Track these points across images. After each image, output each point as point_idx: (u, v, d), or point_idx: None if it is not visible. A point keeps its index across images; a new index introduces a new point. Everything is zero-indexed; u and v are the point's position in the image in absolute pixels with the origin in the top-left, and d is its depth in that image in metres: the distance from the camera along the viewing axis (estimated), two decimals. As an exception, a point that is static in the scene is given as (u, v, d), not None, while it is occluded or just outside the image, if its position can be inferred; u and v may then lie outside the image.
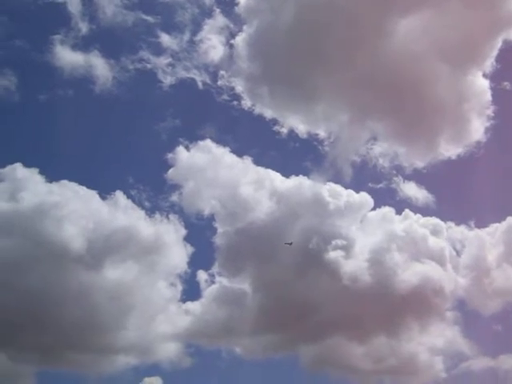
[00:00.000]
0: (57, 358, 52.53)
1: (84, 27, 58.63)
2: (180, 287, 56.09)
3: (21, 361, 52.02)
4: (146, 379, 53.85)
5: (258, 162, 60.29)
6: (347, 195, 58.85)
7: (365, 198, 59.46)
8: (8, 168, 54.13)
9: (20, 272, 51.11)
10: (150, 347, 54.53)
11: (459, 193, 62.98)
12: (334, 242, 56.40)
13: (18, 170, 54.41)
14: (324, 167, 60.20)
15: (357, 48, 56.49)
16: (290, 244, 54.99)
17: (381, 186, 61.74)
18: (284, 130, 60.67)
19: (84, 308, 52.05)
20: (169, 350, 54.92)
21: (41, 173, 54.74)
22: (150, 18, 61.12)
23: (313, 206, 58.07)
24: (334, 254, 56.06)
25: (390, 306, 56.35)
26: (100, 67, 59.00)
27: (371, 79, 57.27)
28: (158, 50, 61.34)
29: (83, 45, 59.28)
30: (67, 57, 58.24)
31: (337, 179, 59.36)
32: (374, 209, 59.83)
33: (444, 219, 60.58)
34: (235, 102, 61.08)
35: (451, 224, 61.30)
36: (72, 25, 58.54)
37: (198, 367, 55.98)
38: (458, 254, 60.67)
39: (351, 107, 59.10)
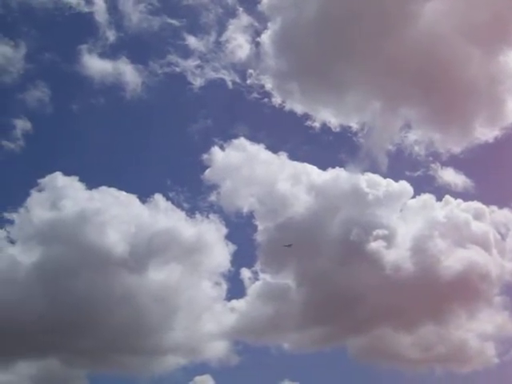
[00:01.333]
0: (107, 360, 53.26)
1: (111, 35, 59.59)
2: (224, 286, 56.45)
3: (73, 365, 53.08)
4: (197, 378, 54.32)
5: (293, 156, 60.47)
6: (386, 184, 58.56)
7: (404, 186, 59.10)
8: (48, 177, 55.27)
9: (66, 279, 52.10)
10: (198, 346, 55.02)
11: (499, 176, 61.67)
12: (375, 233, 56.09)
13: (58, 178, 55.53)
14: (360, 158, 59.98)
15: (383, 35, 56.15)
16: (290, 246, 54.79)
17: (418, 173, 61.30)
18: (316, 125, 60.53)
19: (130, 311, 52.69)
20: (217, 349, 55.30)
21: (80, 180, 55.75)
22: (175, 22, 61.74)
23: (351, 197, 57.95)
24: (375, 245, 55.78)
25: (435, 294, 55.68)
26: (129, 73, 59.80)
27: (400, 66, 56.93)
28: (186, 53, 61.90)
29: (111, 52, 60.28)
30: (96, 65, 59.19)
31: (373, 169, 59.11)
32: (413, 197, 59.42)
33: (486, 203, 59.77)
34: (266, 100, 61.28)
35: (494, 208, 60.37)
36: (100, 34, 59.60)
37: (247, 364, 56.17)
38: (503, 237, 59.58)
39: (382, 96, 58.77)
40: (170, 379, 54.13)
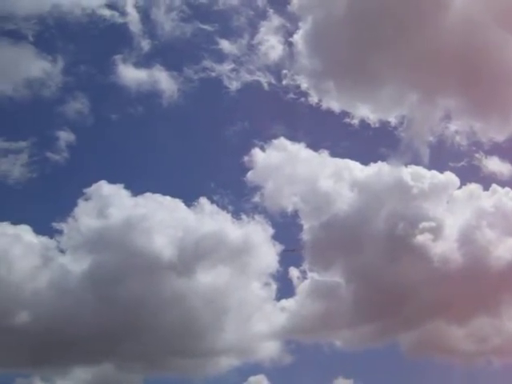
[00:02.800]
0: (161, 364, 53.34)
1: (145, 44, 59.71)
2: (273, 286, 56.24)
3: (127, 370, 53.64)
4: (251, 378, 54.20)
5: (334, 153, 60.26)
6: (431, 176, 57.96)
7: (449, 177, 58.34)
8: (94, 186, 55.73)
9: (117, 285, 52.73)
10: (250, 347, 55.07)
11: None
12: (421, 225, 55.58)
13: (104, 187, 55.95)
14: (401, 151, 59.46)
15: (416, 26, 55.51)
16: (293, 251, 54.52)
17: (462, 163, 60.35)
18: (355, 121, 60.18)
19: (181, 314, 53.13)
20: (269, 349, 55.20)
21: (126, 188, 56.20)
22: (207, 27, 61.76)
23: (395, 190, 57.49)
24: (422, 238, 55.25)
25: (486, 285, 54.90)
26: (164, 81, 59.92)
27: (436, 56, 56.06)
28: (220, 57, 61.86)
29: (146, 61, 60.54)
30: (131, 75, 59.43)
31: (416, 161, 58.55)
32: (459, 187, 58.75)
33: (534, 190, 58.81)
34: (302, 99, 60.97)
35: (543, 195, 59.37)
36: (134, 44, 59.92)
37: (300, 362, 55.88)
38: (555, 224, 58.60)
39: (420, 88, 58.04)
40: (224, 380, 54.49)
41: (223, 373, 54.08)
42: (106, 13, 58.80)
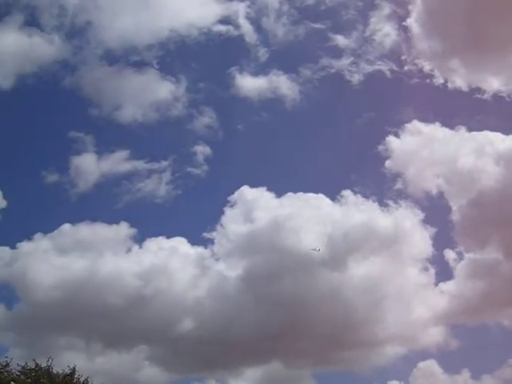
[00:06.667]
0: (327, 358, 53.88)
1: (262, 53, 61.90)
2: (431, 270, 55.54)
3: (295, 366, 54.27)
4: (420, 364, 53.60)
5: (471, 128, 59.05)
6: None
7: None
8: (237, 193, 57.42)
9: (272, 285, 53.54)
10: (414, 334, 54.35)
11: None
12: None
13: (247, 192, 57.59)
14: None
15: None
16: (318, 250, 52.25)
17: None
18: (487, 96, 58.85)
19: (339, 307, 53.05)
20: (433, 334, 54.37)
21: (269, 190, 57.45)
22: (319, 26, 62.79)
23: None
24: None
25: None
26: (284, 86, 61.29)
27: None
28: (337, 53, 62.64)
29: (264, 69, 62.80)
30: (250, 84, 61.52)
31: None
32: None
33: None
34: (427, 81, 60.79)
35: None
36: (251, 53, 62.38)
37: (468, 346, 54.96)
38: None
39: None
40: (393, 369, 54.09)
41: (391, 362, 53.78)
42: (221, 28, 61.55)
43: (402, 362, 53.72)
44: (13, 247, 54.20)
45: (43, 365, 36.74)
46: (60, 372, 37.09)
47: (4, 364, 36.26)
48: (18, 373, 36.20)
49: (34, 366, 36.54)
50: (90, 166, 59.10)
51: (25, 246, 54.40)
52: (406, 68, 61.41)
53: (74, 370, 37.20)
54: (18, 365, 36.52)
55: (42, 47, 59.35)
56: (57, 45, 59.68)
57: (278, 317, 52.19)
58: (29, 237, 54.55)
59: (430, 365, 53.10)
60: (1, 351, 42.99)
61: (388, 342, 53.51)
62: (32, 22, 59.56)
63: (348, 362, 53.44)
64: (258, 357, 52.64)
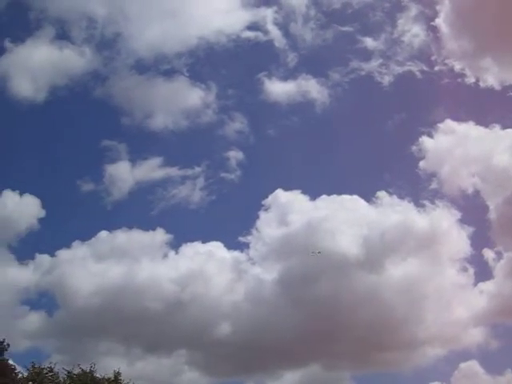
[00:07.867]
0: (366, 360, 53.53)
1: (291, 57, 62.04)
2: (469, 270, 55.08)
3: (334, 368, 54.29)
4: (462, 365, 53.14)
5: (506, 126, 58.31)
6: None
7: None
8: (271, 197, 57.41)
9: (309, 288, 53.37)
10: (454, 335, 53.86)
11: None
12: None
13: (281, 195, 57.55)
14: None
15: None
16: (319, 253, 51.61)
17: None
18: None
19: (378, 309, 52.75)
20: (474, 334, 53.83)
21: (303, 193, 57.41)
22: (347, 28, 62.69)
23: None
24: None
25: None
26: (314, 90, 61.21)
27: None
28: (367, 55, 62.39)
29: (293, 73, 62.64)
30: (279, 89, 61.59)
31: None
32: None
33: None
34: (459, 80, 60.43)
35: None
36: (280, 59, 62.59)
37: (509, 346, 54.07)
38: None
39: None
40: (434, 370, 53.80)
41: (431, 363, 53.47)
42: (250, 34, 61.65)
43: (443, 363, 53.67)
44: (52, 255, 55.09)
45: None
46: (104, 377, 37.75)
47: (48, 369, 37.06)
48: (64, 376, 36.84)
49: (79, 371, 37.24)
50: (124, 174, 59.62)
51: (63, 254, 55.28)
52: (436, 68, 61.32)
53: (118, 374, 37.72)
54: (63, 369, 37.22)
55: (73, 59, 60.40)
56: (87, 56, 60.64)
57: (316, 319, 52.39)
58: (67, 245, 55.37)
59: (472, 365, 52.84)
60: (43, 357, 43.78)
61: (428, 343, 53.31)
62: (62, 36, 60.61)
63: (387, 364, 53.30)
64: (297, 360, 52.75)
